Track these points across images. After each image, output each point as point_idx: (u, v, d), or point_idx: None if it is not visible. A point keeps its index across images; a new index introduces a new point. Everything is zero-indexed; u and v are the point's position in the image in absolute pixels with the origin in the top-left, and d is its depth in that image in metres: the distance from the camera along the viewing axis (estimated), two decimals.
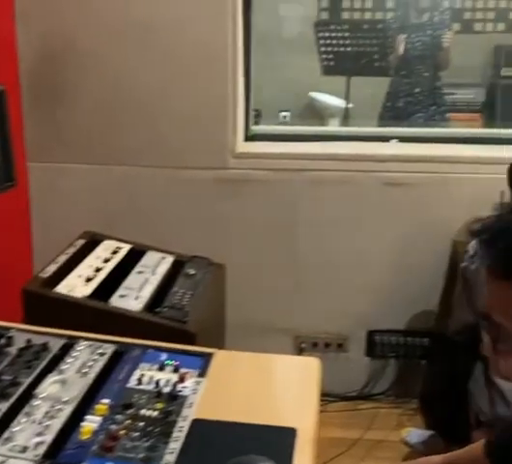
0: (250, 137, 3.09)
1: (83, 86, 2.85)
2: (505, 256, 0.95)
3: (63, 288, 2.11)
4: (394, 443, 2.80)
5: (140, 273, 2.29)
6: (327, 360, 2.96)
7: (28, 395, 1.44)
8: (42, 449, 1.29)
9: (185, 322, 2.03)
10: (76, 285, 2.14)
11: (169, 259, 2.42)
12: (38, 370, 1.52)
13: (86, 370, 1.54)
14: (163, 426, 1.38)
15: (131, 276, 2.25)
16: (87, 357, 1.59)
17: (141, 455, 1.30)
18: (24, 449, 1.28)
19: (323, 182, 2.96)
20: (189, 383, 1.53)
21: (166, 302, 2.13)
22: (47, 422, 1.36)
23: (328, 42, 4.39)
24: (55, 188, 2.97)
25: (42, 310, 2.06)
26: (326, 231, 3.01)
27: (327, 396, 3.01)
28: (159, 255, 2.43)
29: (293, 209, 2.99)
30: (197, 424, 1.40)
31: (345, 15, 5.23)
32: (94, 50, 2.80)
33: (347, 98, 4.37)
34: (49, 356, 1.58)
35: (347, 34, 4.35)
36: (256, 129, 3.18)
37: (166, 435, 1.36)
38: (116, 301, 2.09)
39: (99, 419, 1.39)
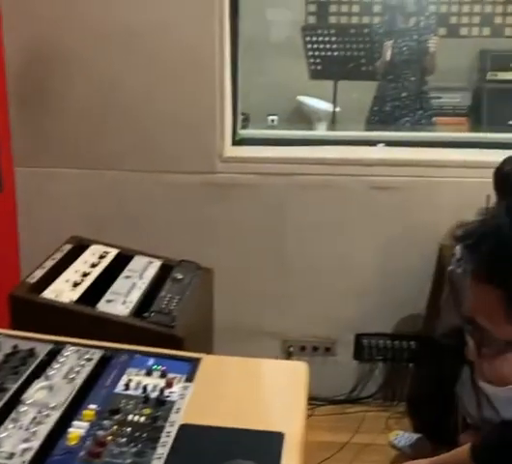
0: (238, 141, 3.09)
1: (70, 91, 2.85)
2: (489, 260, 0.96)
3: (50, 293, 2.11)
4: (382, 446, 2.81)
5: (127, 277, 2.29)
6: (315, 363, 2.97)
7: (15, 401, 1.44)
8: (28, 456, 1.29)
9: (173, 327, 2.03)
10: (63, 290, 2.13)
11: (157, 263, 2.41)
12: (24, 376, 1.52)
13: (73, 376, 1.54)
14: (151, 432, 1.38)
15: (119, 281, 2.25)
16: (74, 362, 1.59)
17: (128, 461, 1.30)
18: (11, 456, 1.28)
19: (310, 186, 2.96)
20: (177, 388, 1.53)
21: (154, 306, 2.12)
22: (34, 428, 1.36)
23: (316, 46, 4.40)
24: (42, 193, 2.97)
25: (29, 316, 2.05)
26: (313, 235, 3.02)
27: (315, 400, 3.02)
28: (147, 260, 2.42)
29: (280, 213, 3.00)
30: (185, 430, 1.40)
31: (332, 20, 5.25)
32: (80, 55, 2.80)
33: (334, 102, 4.37)
34: (36, 361, 1.58)
35: (334, 38, 4.36)
36: (244, 133, 3.19)
37: (154, 440, 1.36)
38: (103, 306, 2.09)
39: (86, 424, 1.39)
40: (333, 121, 4.43)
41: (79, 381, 1.52)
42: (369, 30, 4.42)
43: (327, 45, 4.36)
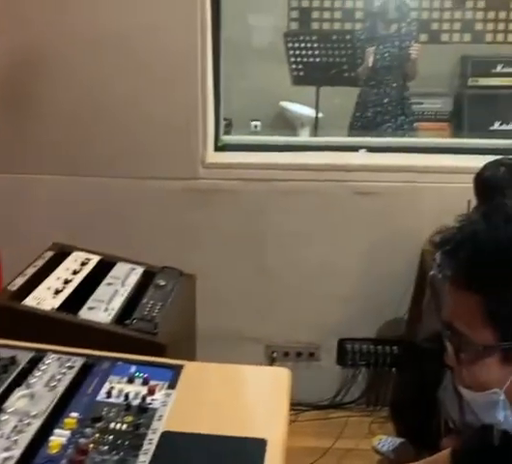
0: (220, 147, 3.10)
1: (51, 97, 2.83)
2: (466, 267, 0.97)
3: (31, 301, 2.10)
4: (365, 451, 2.81)
5: (109, 284, 2.28)
6: (298, 369, 2.99)
7: None
8: None
9: (156, 334, 2.03)
10: (45, 298, 2.12)
11: (139, 270, 2.41)
12: (5, 384, 1.51)
13: (54, 384, 1.53)
14: (133, 439, 1.38)
15: (101, 288, 2.24)
16: (56, 370, 1.58)
17: None
18: None
19: (293, 192, 2.97)
20: (159, 395, 1.53)
21: (136, 313, 2.12)
22: (15, 437, 1.35)
23: (298, 52, 4.41)
24: (24, 200, 2.95)
25: (10, 323, 2.03)
26: (296, 241, 3.03)
27: (299, 406, 3.02)
28: (129, 266, 2.42)
29: (263, 219, 3.00)
30: (167, 437, 1.40)
31: (314, 26, 5.27)
32: (64, 61, 2.79)
33: (317, 108, 4.39)
34: (17, 369, 1.57)
35: (316, 44, 4.37)
36: (226, 139, 3.19)
37: (136, 448, 1.36)
38: (85, 313, 2.08)
39: (67, 432, 1.38)
40: (316, 127, 4.44)
41: (61, 389, 1.52)
42: (351, 36, 4.43)
43: (310, 51, 4.38)
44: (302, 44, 4.40)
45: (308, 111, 4.76)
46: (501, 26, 5.15)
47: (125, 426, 1.42)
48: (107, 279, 2.31)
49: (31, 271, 2.26)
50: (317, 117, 4.40)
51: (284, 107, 5.18)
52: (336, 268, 3.06)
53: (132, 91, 2.82)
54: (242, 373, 1.75)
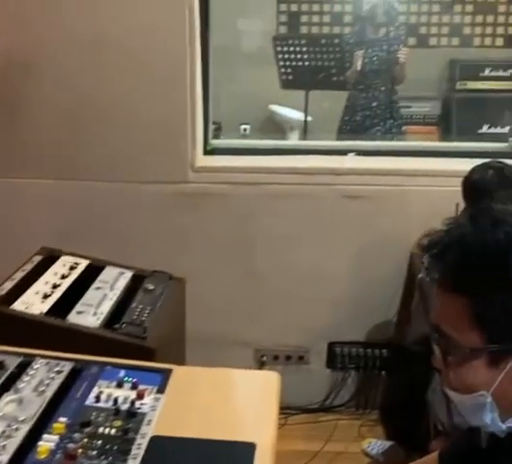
0: (209, 151, 3.10)
1: (41, 101, 2.82)
2: (454, 270, 0.98)
3: (20, 305, 2.09)
4: (355, 454, 2.82)
5: (98, 288, 2.27)
6: (288, 372, 2.99)
7: None
8: None
9: (145, 338, 2.02)
10: (34, 302, 2.12)
11: (128, 274, 2.40)
12: None
13: (43, 389, 1.53)
14: (122, 444, 1.38)
15: (89, 292, 2.23)
16: (44, 375, 1.58)
17: None
18: None
19: (282, 195, 2.98)
20: (148, 399, 1.53)
21: (125, 318, 2.11)
22: (4, 442, 1.35)
23: (287, 56, 4.42)
24: (12, 204, 2.94)
25: None
26: (285, 244, 3.03)
27: (288, 409, 3.02)
28: (118, 270, 2.41)
29: (252, 222, 3.00)
30: (156, 441, 1.40)
31: (303, 30, 5.29)
32: (53, 64, 2.77)
33: (306, 111, 4.40)
34: (6, 374, 1.57)
35: (305, 48, 4.39)
36: (215, 142, 3.19)
37: (124, 453, 1.35)
38: (74, 317, 2.08)
39: (56, 438, 1.38)
40: (305, 130, 4.45)
41: (49, 394, 1.52)
42: (340, 40, 4.46)
43: (299, 55, 4.39)
44: (291, 48, 4.41)
45: (297, 115, 4.78)
46: (489, 30, 5.18)
47: (113, 431, 1.41)
48: (96, 284, 2.30)
49: (19, 275, 2.25)
50: (306, 121, 4.41)
51: (273, 111, 5.19)
52: (325, 271, 3.06)
53: (122, 96, 2.81)
54: (232, 377, 1.75)
